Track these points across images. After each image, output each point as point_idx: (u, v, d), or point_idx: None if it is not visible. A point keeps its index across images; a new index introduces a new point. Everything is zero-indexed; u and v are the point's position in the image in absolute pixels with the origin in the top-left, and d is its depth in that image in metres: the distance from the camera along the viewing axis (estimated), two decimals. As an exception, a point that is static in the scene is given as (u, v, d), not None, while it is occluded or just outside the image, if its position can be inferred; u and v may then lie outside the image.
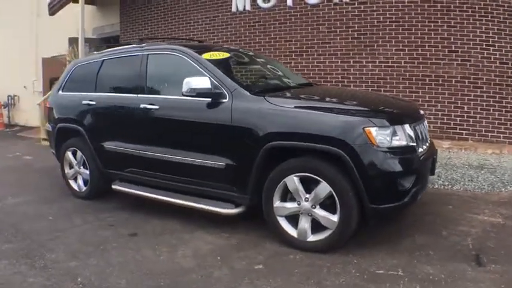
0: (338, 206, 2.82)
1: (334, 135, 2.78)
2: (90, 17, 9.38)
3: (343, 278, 2.61)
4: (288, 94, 3.37)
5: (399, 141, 2.85)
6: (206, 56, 3.49)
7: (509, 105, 5.32)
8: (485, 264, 2.73)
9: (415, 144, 2.98)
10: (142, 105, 3.61)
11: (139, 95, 3.70)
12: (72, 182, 4.50)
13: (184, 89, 3.18)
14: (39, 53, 10.56)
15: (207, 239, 3.27)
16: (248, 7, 7.39)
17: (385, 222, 3.43)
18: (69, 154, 4.43)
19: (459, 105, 5.69)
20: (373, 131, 2.75)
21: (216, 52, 3.62)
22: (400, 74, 6.14)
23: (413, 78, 6.03)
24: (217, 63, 3.44)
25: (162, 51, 3.72)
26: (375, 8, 6.21)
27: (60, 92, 4.57)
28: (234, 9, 7.54)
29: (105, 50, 4.33)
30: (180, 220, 3.64)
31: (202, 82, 3.15)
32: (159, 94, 3.64)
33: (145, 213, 3.87)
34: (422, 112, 3.54)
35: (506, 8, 5.14)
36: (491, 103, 5.44)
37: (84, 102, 4.13)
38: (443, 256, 2.85)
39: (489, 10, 5.25)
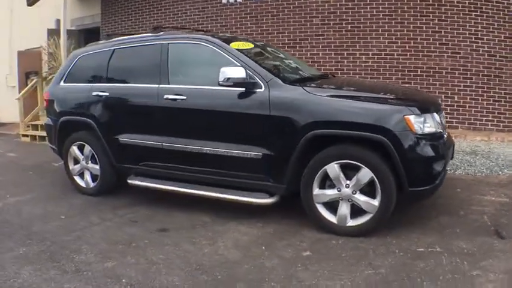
0: (379, 190, 2.94)
1: (378, 123, 2.89)
2: (69, 7, 8.82)
3: (390, 258, 2.72)
4: (322, 84, 3.41)
5: (429, 128, 3.01)
6: (234, 45, 3.44)
7: (496, 95, 5.69)
8: (506, 237, 2.96)
9: (442, 131, 3.15)
10: (166, 96, 3.48)
11: (161, 86, 3.56)
12: (77, 178, 4.27)
13: (221, 78, 3.12)
14: (13, 45, 9.81)
15: (241, 230, 3.25)
16: (239, -2, 7.32)
17: (404, 207, 3.53)
18: (74, 149, 4.18)
19: (449, 95, 6.00)
20: (412, 118, 2.90)
21: (241, 42, 3.57)
22: (393, 65, 6.36)
23: (406, 69, 6.27)
24: (246, 53, 3.41)
25: (186, 40, 3.61)
26: (368, 2, 6.37)
27: (62, 83, 4.29)
28: (224, 0, 7.43)
29: (113, 39, 4.11)
30: (206, 213, 3.57)
31: (237, 72, 3.11)
32: (184, 84, 3.52)
33: (166, 207, 3.75)
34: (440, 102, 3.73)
35: (494, 4, 5.47)
36: (480, 93, 5.79)
37: (95, 93, 3.91)
38: (469, 232, 3.07)
39: (478, 5, 5.57)
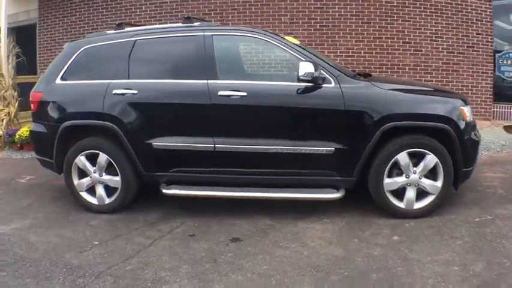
0: (442, 173, 3.17)
1: (445, 113, 3.18)
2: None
3: (463, 229, 3.02)
4: (380, 79, 3.51)
5: (468, 118, 3.37)
6: (289, 40, 3.32)
7: (454, 87, 6.46)
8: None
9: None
10: (221, 93, 3.15)
11: (211, 81, 3.20)
12: (85, 194, 3.55)
13: (301, 73, 3.01)
14: None
15: (317, 228, 3.14)
16: (203, -6, 6.97)
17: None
18: (82, 159, 3.47)
19: (413, 89, 6.64)
20: (464, 109, 3.27)
21: (290, 37, 3.46)
22: (360, 63, 6.77)
23: (372, 66, 6.74)
24: (303, 48, 3.33)
25: (236, 32, 3.37)
26: (336, 2, 6.67)
27: (59, 81, 3.53)
28: (186, -5, 7.00)
29: (129, 29, 3.53)
30: (263, 216, 3.34)
31: (309, 67, 3.03)
32: (237, 79, 3.24)
33: (211, 216, 3.38)
34: None
35: (453, 5, 6.24)
36: (440, 86, 6.53)
37: (116, 91, 3.31)
38: (497, 202, 3.53)
39: (439, 7, 6.28)
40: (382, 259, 2.62)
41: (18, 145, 6.01)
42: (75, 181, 3.54)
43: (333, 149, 3.12)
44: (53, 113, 3.52)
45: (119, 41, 3.46)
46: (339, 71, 3.24)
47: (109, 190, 3.53)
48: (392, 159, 3.13)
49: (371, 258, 2.63)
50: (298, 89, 3.15)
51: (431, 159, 3.14)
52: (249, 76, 3.29)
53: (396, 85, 3.41)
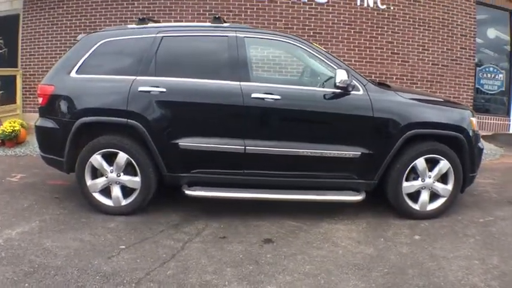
0: (453, 178, 3.42)
1: (459, 123, 3.44)
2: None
3: (472, 229, 3.30)
4: (402, 89, 3.72)
5: (476, 127, 3.65)
6: (317, 47, 3.41)
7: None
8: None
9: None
10: (254, 95, 3.16)
11: (243, 83, 3.20)
12: (98, 196, 3.40)
13: (338, 80, 3.12)
14: None
15: (341, 228, 3.25)
16: (198, -5, 6.91)
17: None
18: (98, 158, 3.32)
19: (399, 97, 6.97)
20: (473, 119, 3.56)
21: (315, 43, 3.56)
22: (351, 70, 7.02)
23: (362, 74, 6.99)
24: (333, 56, 3.45)
25: (268, 36, 3.41)
26: (330, 11, 6.88)
27: (75, 74, 3.36)
28: (181, -5, 6.90)
29: (154, 25, 3.45)
30: (286, 218, 3.39)
31: (344, 74, 3.14)
32: (271, 83, 3.30)
33: (233, 217, 3.38)
34: None
35: (440, 20, 6.64)
36: (424, 95, 6.91)
37: (143, 88, 3.21)
38: (495, 206, 3.86)
39: (426, 21, 6.66)
40: (412, 256, 2.79)
41: (0, 141, 5.64)
42: (88, 181, 3.38)
43: (360, 153, 3.23)
44: (67, 108, 3.35)
45: (144, 36, 3.36)
46: (366, 79, 3.37)
47: (125, 191, 3.42)
48: (411, 164, 3.30)
49: (402, 256, 2.78)
50: (331, 95, 3.26)
51: (445, 164, 3.36)
52: (280, 80, 3.36)
53: (415, 95, 3.61)
